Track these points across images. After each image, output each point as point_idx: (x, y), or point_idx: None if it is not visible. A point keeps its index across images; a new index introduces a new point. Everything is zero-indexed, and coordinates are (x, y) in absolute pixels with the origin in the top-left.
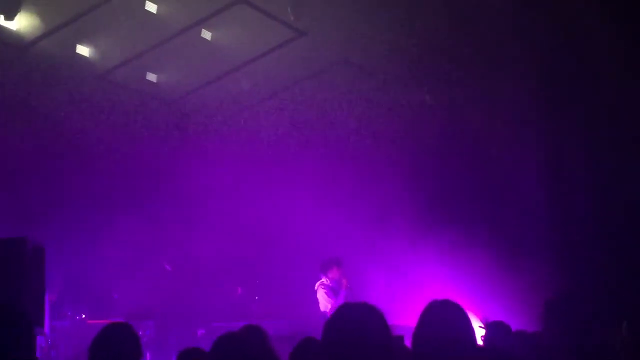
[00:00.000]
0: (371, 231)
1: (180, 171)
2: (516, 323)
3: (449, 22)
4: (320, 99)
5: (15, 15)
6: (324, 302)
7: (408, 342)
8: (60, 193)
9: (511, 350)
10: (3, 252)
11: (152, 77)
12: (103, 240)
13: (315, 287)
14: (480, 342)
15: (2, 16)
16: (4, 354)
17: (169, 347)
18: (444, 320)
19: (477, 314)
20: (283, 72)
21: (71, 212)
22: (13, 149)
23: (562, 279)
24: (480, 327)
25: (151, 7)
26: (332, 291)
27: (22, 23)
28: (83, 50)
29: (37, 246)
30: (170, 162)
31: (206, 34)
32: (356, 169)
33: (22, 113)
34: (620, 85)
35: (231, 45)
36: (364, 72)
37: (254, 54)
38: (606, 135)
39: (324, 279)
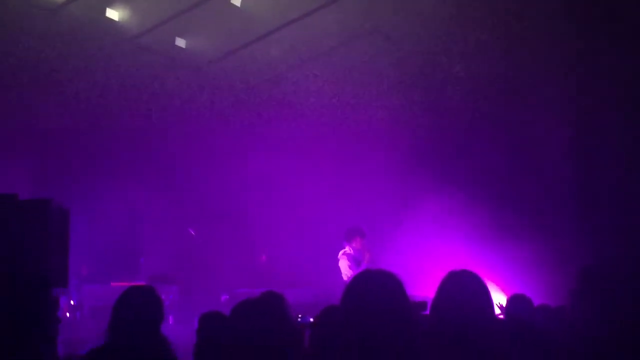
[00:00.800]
0: (396, 204)
1: (208, 137)
2: (539, 298)
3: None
4: (350, 68)
5: None
6: (346, 271)
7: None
8: (89, 158)
9: (533, 323)
10: (28, 213)
11: (181, 42)
12: (130, 205)
13: (338, 256)
14: (500, 315)
15: None
16: (24, 314)
17: (191, 311)
18: (462, 289)
19: (499, 287)
20: (312, 40)
21: (99, 176)
22: (41, 113)
23: (587, 255)
24: (498, 305)
25: None
26: (354, 261)
27: None
28: (113, 14)
29: (62, 208)
30: (198, 128)
31: (236, 0)
32: (383, 139)
33: (50, 76)
34: None
35: (260, 12)
36: (393, 41)
37: (283, 21)
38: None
39: (347, 248)
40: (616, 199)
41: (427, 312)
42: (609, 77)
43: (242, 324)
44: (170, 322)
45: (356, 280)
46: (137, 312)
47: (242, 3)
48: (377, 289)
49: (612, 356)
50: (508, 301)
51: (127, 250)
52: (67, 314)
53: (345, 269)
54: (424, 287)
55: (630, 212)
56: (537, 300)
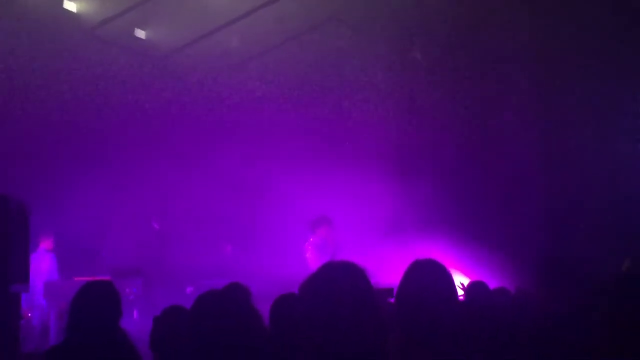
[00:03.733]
0: (360, 195)
1: (168, 128)
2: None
3: None
4: (310, 57)
5: None
6: (313, 261)
7: None
8: (47, 151)
9: (492, 307)
10: None
11: (140, 33)
12: (92, 198)
13: (305, 247)
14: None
15: None
16: None
17: (156, 304)
18: (426, 277)
19: (465, 275)
20: (272, 29)
21: (59, 170)
22: None
23: (549, 246)
24: (460, 286)
25: None
26: (319, 249)
27: None
28: (70, 5)
29: (21, 204)
30: (157, 119)
31: None
32: (346, 127)
33: (6, 68)
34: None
35: (221, 2)
36: (354, 30)
37: (243, 10)
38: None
39: (312, 239)
40: (578, 191)
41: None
42: (570, 72)
43: (205, 315)
44: (135, 316)
45: (318, 272)
46: (95, 308)
47: None
48: (339, 278)
49: (566, 336)
50: (467, 287)
51: (90, 244)
52: (29, 313)
53: (312, 258)
54: (390, 277)
55: (588, 205)
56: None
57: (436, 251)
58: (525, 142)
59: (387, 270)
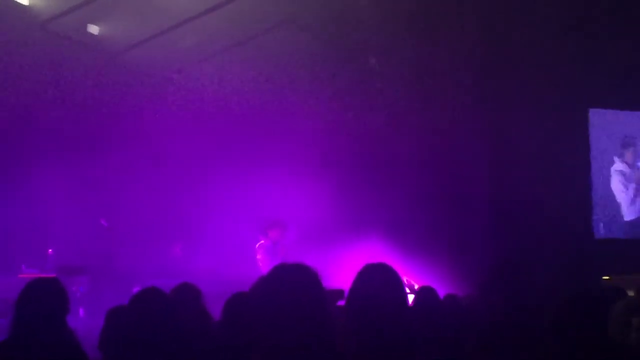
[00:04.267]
0: (313, 199)
1: (120, 126)
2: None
3: None
4: (265, 59)
5: None
6: (263, 263)
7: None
8: None
9: (441, 312)
10: None
11: (93, 29)
12: (39, 194)
13: (255, 249)
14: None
15: None
16: None
17: (103, 303)
18: (375, 280)
19: (412, 280)
20: (227, 30)
21: (4, 163)
22: None
23: (498, 250)
24: (410, 289)
25: None
26: (270, 252)
27: None
28: None
29: None
30: (109, 117)
31: None
32: (300, 128)
33: None
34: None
35: (176, 0)
36: (310, 32)
37: (200, 9)
38: (547, 103)
39: (262, 241)
40: (525, 198)
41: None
42: (518, 78)
43: (144, 313)
44: (81, 315)
45: (270, 274)
46: (40, 306)
47: None
48: (290, 282)
49: (515, 339)
50: (417, 293)
51: (36, 240)
52: None
53: (263, 260)
54: (341, 280)
55: (537, 211)
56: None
57: (384, 254)
58: (474, 143)
59: (336, 272)
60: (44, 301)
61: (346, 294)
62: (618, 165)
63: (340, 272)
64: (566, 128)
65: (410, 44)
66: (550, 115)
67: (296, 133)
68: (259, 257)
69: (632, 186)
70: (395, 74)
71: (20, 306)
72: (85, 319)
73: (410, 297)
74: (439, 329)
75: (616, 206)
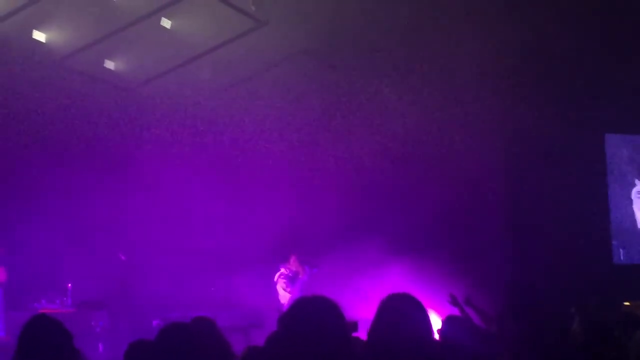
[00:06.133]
0: (332, 226)
1: (137, 160)
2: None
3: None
4: (281, 90)
5: None
6: (283, 293)
7: (363, 333)
8: (12, 181)
9: (468, 345)
10: None
11: (110, 64)
12: (58, 229)
13: (275, 279)
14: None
15: None
16: None
17: (122, 337)
18: (401, 313)
19: (435, 310)
20: (243, 62)
21: (25, 199)
22: None
23: (514, 277)
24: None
25: None
26: (290, 281)
27: None
28: (40, 35)
29: None
30: (126, 151)
31: (166, 22)
32: (316, 159)
33: None
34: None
35: (191, 34)
36: (324, 63)
37: (214, 43)
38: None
39: (282, 270)
40: (544, 222)
41: (359, 332)
42: (531, 84)
43: (169, 350)
44: (100, 350)
45: (291, 308)
46: (41, 344)
47: (172, 25)
48: (312, 316)
49: None
50: (443, 323)
51: (55, 276)
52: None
53: (282, 290)
54: (359, 309)
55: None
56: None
57: (399, 279)
58: (489, 171)
59: (352, 302)
60: (45, 339)
61: (361, 323)
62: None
63: (353, 299)
64: (583, 152)
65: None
66: (568, 139)
67: (315, 160)
68: (278, 287)
69: None
70: (412, 92)
71: (22, 346)
72: (104, 354)
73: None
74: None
75: (637, 231)
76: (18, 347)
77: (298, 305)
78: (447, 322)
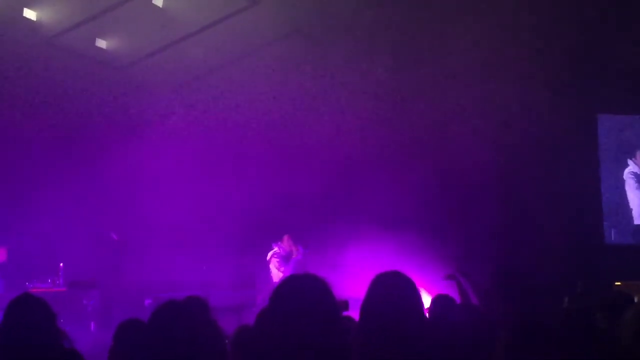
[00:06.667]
0: (321, 208)
1: (128, 139)
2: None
3: None
4: (271, 70)
5: None
6: (276, 272)
7: (354, 312)
8: (6, 160)
9: (458, 323)
10: None
11: (101, 43)
12: (50, 208)
13: (268, 258)
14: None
15: None
16: None
17: (114, 317)
18: (393, 291)
19: (425, 289)
20: (235, 41)
21: (16, 179)
22: None
23: (500, 256)
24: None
25: None
26: (283, 259)
27: None
28: (30, 13)
29: None
30: (117, 130)
31: (158, 1)
32: (306, 139)
33: None
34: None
35: (183, 13)
36: (315, 43)
37: (206, 22)
38: (556, 108)
39: (276, 248)
40: (535, 204)
41: (349, 311)
42: (526, 82)
43: (162, 327)
44: (92, 329)
45: (282, 286)
46: (24, 320)
47: (163, 3)
48: (302, 294)
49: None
50: (432, 302)
51: (47, 255)
52: None
53: (275, 269)
54: (344, 288)
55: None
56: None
57: (390, 259)
58: (481, 153)
59: (343, 281)
60: (26, 313)
61: (352, 302)
62: (632, 168)
63: (343, 279)
64: (575, 133)
65: (420, 52)
66: (559, 121)
67: (305, 140)
68: (271, 266)
69: None
70: (403, 75)
71: (5, 323)
72: (96, 333)
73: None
74: (455, 340)
75: (628, 212)
76: (2, 324)
77: (288, 282)
78: (437, 300)
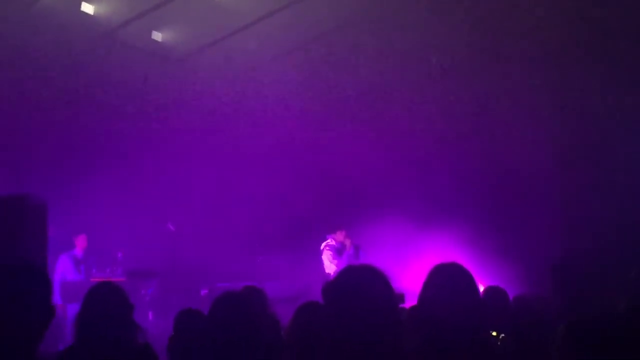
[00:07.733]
0: (374, 202)
1: (185, 131)
2: (517, 290)
3: None
4: (327, 61)
5: None
6: (328, 264)
7: (409, 304)
8: (64, 153)
9: (510, 315)
10: (3, 211)
11: (157, 36)
12: (109, 200)
13: (321, 248)
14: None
15: None
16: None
17: (171, 306)
18: (451, 282)
19: (480, 281)
20: (289, 33)
21: (76, 172)
22: (15, 106)
23: (563, 245)
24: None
25: None
26: (336, 252)
27: None
28: (88, 7)
29: (38, 204)
30: (175, 122)
31: None
32: (363, 130)
33: (25, 70)
34: None
35: (238, 5)
36: (370, 34)
37: (260, 13)
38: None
39: (329, 240)
40: (592, 196)
41: (405, 304)
42: (585, 71)
43: (222, 317)
44: (150, 318)
45: (339, 277)
46: (103, 308)
47: None
48: (359, 286)
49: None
50: (484, 293)
51: (106, 245)
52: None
53: (328, 260)
54: (407, 279)
55: (594, 209)
56: (511, 291)
57: (447, 253)
58: (539, 144)
59: (398, 273)
60: (106, 304)
61: (408, 294)
62: None
63: (400, 270)
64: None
65: (474, 39)
66: (623, 121)
67: (361, 133)
68: (323, 257)
69: None
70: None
71: (85, 312)
72: (154, 321)
73: None
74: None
75: None
76: (81, 311)
77: (346, 274)
78: (488, 291)
